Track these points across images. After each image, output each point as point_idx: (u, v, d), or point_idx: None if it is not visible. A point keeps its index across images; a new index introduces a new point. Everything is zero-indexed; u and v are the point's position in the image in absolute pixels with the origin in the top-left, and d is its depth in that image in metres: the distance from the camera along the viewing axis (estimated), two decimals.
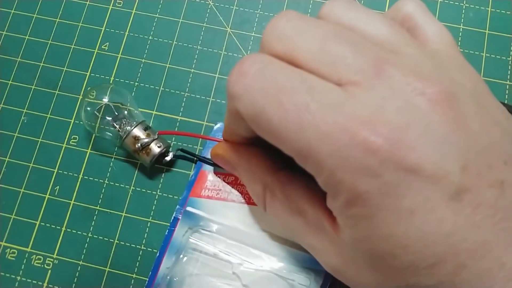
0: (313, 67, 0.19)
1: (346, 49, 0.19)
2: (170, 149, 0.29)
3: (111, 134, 0.29)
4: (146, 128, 0.28)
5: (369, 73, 0.18)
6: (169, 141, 0.29)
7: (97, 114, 0.29)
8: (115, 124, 0.28)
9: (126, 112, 0.29)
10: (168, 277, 0.26)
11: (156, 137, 0.28)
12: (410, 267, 0.18)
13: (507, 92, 0.30)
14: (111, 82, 0.31)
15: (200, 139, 0.30)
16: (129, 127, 0.28)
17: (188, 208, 0.27)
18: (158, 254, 0.27)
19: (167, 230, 0.28)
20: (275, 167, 0.24)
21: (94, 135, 0.30)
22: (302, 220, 0.23)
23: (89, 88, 0.29)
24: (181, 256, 0.27)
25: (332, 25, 0.20)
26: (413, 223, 0.17)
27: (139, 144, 0.28)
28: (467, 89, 0.19)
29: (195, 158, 0.29)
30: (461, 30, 0.31)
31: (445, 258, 0.18)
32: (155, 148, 0.28)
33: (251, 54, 0.20)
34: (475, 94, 0.19)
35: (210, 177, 0.28)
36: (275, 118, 0.18)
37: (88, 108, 0.29)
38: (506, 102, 0.30)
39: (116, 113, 0.29)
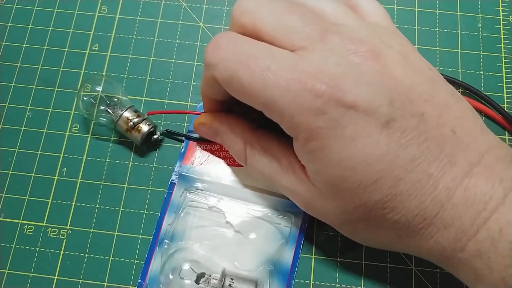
0: (271, 37, 0.24)
1: (296, 20, 0.24)
2: (158, 129, 0.33)
3: (105, 120, 0.33)
4: (135, 111, 0.33)
5: (314, 39, 0.24)
6: (159, 121, 0.34)
7: (93, 101, 0.33)
8: (108, 110, 0.33)
9: (116, 99, 0.33)
10: (171, 230, 0.31)
11: (145, 117, 0.33)
12: (360, 185, 0.23)
13: (438, 56, 0.36)
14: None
15: (186, 115, 0.34)
16: (121, 111, 0.32)
17: (183, 173, 0.32)
18: (159, 214, 0.32)
19: (166, 193, 0.32)
20: (252, 127, 0.29)
21: (92, 122, 0.34)
22: (277, 166, 0.28)
23: (85, 80, 0.34)
24: (180, 212, 0.31)
25: (286, 3, 0.25)
26: (355, 148, 0.23)
27: (131, 123, 0.32)
28: (394, 49, 0.25)
29: (182, 137, 0.34)
30: (395, 9, 0.38)
31: (384, 174, 0.23)
32: (145, 127, 0.32)
33: (222, 32, 0.26)
34: (401, 52, 0.25)
35: (198, 147, 0.33)
36: (245, 79, 0.24)
37: (85, 98, 0.33)
38: (437, 65, 0.36)
39: (108, 101, 0.33)
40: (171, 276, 0.29)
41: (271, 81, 0.23)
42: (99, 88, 0.33)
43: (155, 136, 0.33)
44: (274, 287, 0.30)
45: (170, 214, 0.32)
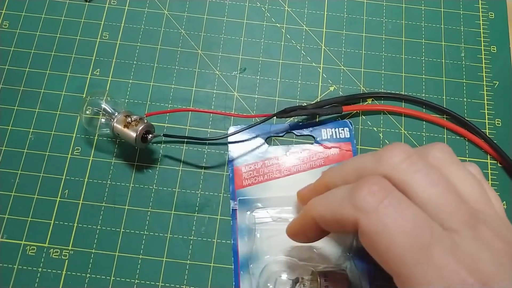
0: (423, 206, 0.24)
1: (451, 200, 0.24)
2: (154, 131, 0.34)
3: (107, 129, 0.34)
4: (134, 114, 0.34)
5: (466, 225, 0.23)
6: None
7: (96, 111, 0.34)
8: (109, 118, 0.34)
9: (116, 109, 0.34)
10: (250, 252, 0.33)
11: (143, 116, 0.34)
12: None
13: (424, 84, 0.39)
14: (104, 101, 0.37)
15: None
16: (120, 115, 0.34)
17: (240, 198, 0.34)
18: (233, 242, 0.34)
19: (231, 221, 0.34)
20: None
21: (94, 141, 0.36)
22: None
23: (88, 94, 0.35)
24: (255, 233, 0.33)
25: (441, 176, 0.24)
26: None
27: (130, 119, 0.33)
28: None
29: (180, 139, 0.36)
30: (383, 39, 0.40)
31: None
32: (142, 123, 0.33)
33: (374, 177, 0.24)
34: None
35: (243, 169, 0.35)
36: (398, 245, 0.22)
37: (88, 112, 0.35)
38: (423, 92, 0.38)
39: (110, 111, 0.34)
40: None
41: (427, 259, 0.22)
42: (102, 102, 0.35)
43: (150, 136, 0.34)
44: (359, 268, 0.32)
45: (242, 238, 0.33)
